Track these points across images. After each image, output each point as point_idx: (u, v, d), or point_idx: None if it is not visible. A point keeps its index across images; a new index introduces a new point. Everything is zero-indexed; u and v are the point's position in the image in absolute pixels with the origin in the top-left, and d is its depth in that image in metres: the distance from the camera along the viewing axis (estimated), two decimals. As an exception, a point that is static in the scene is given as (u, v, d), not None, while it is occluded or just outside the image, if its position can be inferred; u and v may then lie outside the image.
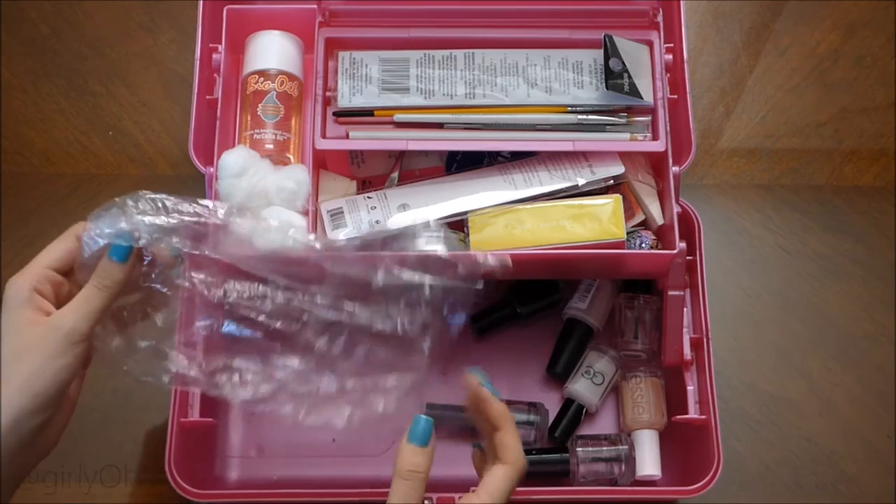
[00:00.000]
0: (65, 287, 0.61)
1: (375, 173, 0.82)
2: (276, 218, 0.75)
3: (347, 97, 0.78)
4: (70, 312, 0.59)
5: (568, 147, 0.77)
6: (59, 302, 0.60)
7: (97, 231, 0.61)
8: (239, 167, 0.76)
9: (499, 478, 0.57)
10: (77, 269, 0.61)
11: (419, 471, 0.56)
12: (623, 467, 0.78)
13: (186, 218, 0.63)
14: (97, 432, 0.82)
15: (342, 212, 0.76)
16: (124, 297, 0.62)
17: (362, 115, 0.78)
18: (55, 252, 0.61)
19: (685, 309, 0.79)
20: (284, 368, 0.64)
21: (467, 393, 0.60)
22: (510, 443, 0.58)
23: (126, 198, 0.62)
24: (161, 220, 0.62)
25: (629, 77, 0.77)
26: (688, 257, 0.78)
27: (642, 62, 0.79)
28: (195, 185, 0.85)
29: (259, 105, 0.81)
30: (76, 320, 0.58)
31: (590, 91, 0.78)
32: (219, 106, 0.79)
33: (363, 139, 0.77)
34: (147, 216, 0.62)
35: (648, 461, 0.79)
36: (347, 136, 0.78)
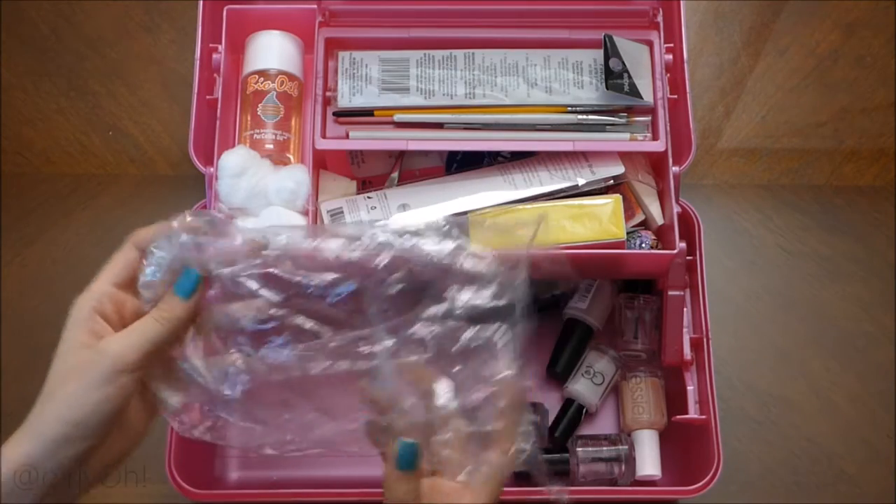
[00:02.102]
0: (128, 305, 0.58)
1: (375, 173, 0.82)
2: (278, 218, 0.75)
3: (347, 97, 0.78)
4: (120, 339, 0.55)
5: (568, 147, 0.77)
6: (124, 322, 0.57)
7: (161, 257, 0.57)
8: (239, 167, 0.76)
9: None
10: (139, 287, 0.58)
11: (410, 498, 0.55)
12: (623, 467, 0.78)
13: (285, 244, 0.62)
14: (97, 432, 0.82)
15: (342, 212, 0.76)
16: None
17: (362, 115, 0.78)
18: (116, 266, 0.58)
19: (685, 309, 0.79)
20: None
21: None
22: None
23: (189, 219, 0.59)
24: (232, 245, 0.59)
25: (629, 77, 0.77)
26: (688, 257, 0.78)
27: (642, 62, 0.79)
28: (195, 185, 0.85)
29: (259, 105, 0.81)
30: (124, 348, 0.55)
31: (590, 91, 0.78)
32: (219, 106, 0.79)
33: (363, 139, 0.77)
34: (217, 243, 0.59)
35: (648, 461, 0.79)
36: (347, 136, 0.78)
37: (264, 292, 0.61)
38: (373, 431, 0.60)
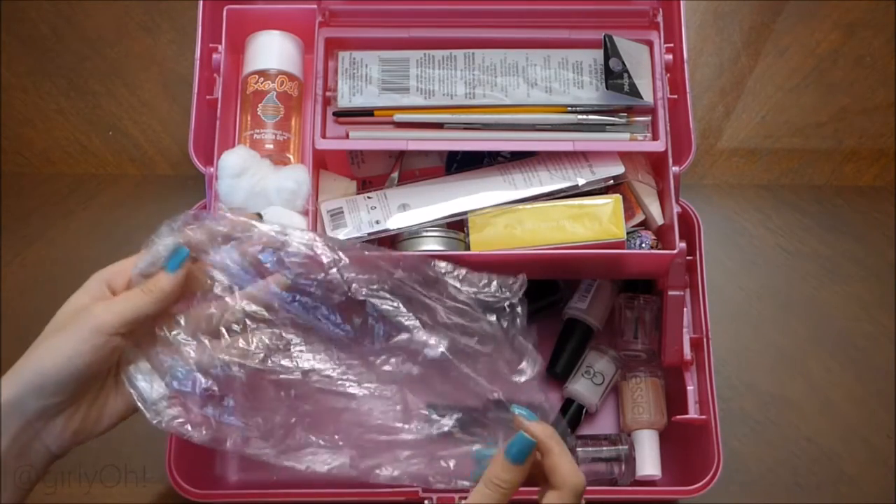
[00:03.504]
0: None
1: (375, 173, 0.82)
2: (278, 218, 0.75)
3: (347, 97, 0.78)
4: (106, 304, 0.59)
5: (568, 147, 0.77)
6: None
7: (158, 248, 0.62)
8: (239, 167, 0.76)
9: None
10: (132, 274, 0.61)
11: (504, 486, 0.55)
12: (623, 467, 0.78)
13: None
14: (97, 432, 0.82)
15: (342, 212, 0.76)
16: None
17: (362, 115, 0.78)
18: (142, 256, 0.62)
19: (685, 309, 0.79)
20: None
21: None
22: (558, 465, 0.56)
23: (180, 218, 0.63)
24: (218, 227, 0.63)
25: (629, 77, 0.77)
26: (688, 257, 0.78)
27: (642, 62, 0.79)
28: (195, 185, 0.85)
29: (259, 105, 0.81)
30: (107, 311, 0.58)
31: (590, 91, 0.78)
32: (219, 106, 0.79)
33: (363, 139, 0.77)
34: (200, 231, 0.63)
35: (648, 461, 0.79)
36: (347, 136, 0.78)
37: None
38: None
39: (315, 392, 0.64)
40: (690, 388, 0.78)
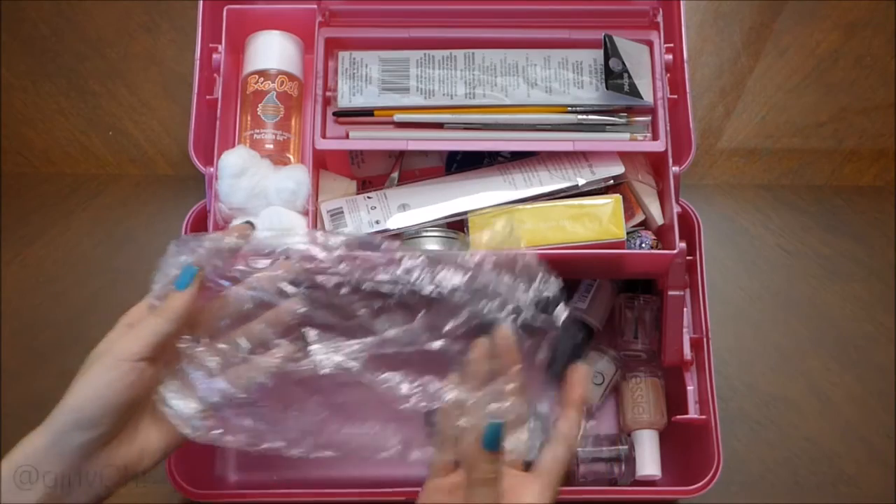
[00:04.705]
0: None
1: (375, 173, 0.82)
2: (278, 218, 0.75)
3: (347, 97, 0.78)
4: (126, 334, 0.59)
5: (568, 147, 0.77)
6: None
7: (171, 265, 0.62)
8: (239, 167, 0.76)
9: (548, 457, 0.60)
10: (149, 306, 0.62)
11: (497, 475, 0.57)
12: (623, 467, 0.78)
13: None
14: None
15: (342, 212, 0.76)
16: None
17: (362, 115, 0.78)
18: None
19: (685, 309, 0.79)
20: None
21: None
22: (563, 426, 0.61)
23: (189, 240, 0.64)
24: (224, 242, 0.63)
25: (629, 77, 0.77)
26: (688, 257, 0.78)
27: (642, 62, 0.79)
28: (195, 185, 0.85)
29: (259, 105, 0.81)
30: (128, 340, 0.58)
31: (590, 91, 0.78)
32: (219, 106, 0.79)
33: (363, 139, 0.77)
34: (208, 243, 0.63)
35: (648, 461, 0.79)
36: (347, 136, 0.78)
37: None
38: (439, 420, 0.63)
39: (343, 386, 0.64)
40: (690, 389, 0.78)
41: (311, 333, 0.65)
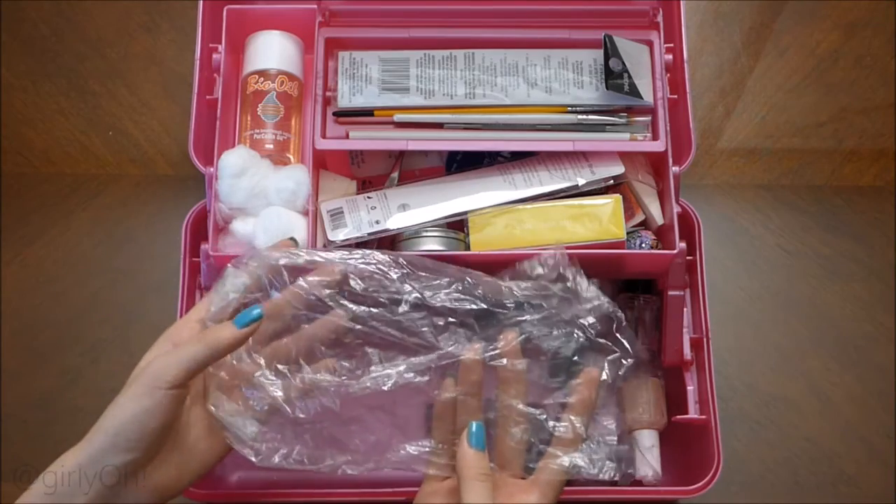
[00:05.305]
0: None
1: (375, 173, 0.82)
2: (278, 218, 0.75)
3: (347, 97, 0.78)
4: (165, 356, 0.59)
5: (568, 147, 0.77)
6: None
7: (228, 287, 0.62)
8: (239, 167, 0.76)
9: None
10: (206, 321, 0.62)
11: (488, 472, 0.58)
12: (623, 467, 0.78)
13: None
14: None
15: (342, 212, 0.76)
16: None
17: (362, 115, 0.78)
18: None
19: (685, 309, 0.79)
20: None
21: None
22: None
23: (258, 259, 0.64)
24: (278, 261, 0.64)
25: (629, 77, 0.77)
26: (688, 257, 0.78)
27: (642, 62, 0.79)
28: (195, 185, 0.85)
29: (259, 105, 0.81)
30: (165, 365, 0.58)
31: (590, 91, 0.78)
32: (219, 106, 0.79)
33: (363, 139, 0.77)
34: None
35: (649, 461, 0.79)
36: (347, 136, 0.78)
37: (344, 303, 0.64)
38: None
39: (403, 403, 0.65)
40: (690, 389, 0.78)
41: (372, 351, 0.65)
